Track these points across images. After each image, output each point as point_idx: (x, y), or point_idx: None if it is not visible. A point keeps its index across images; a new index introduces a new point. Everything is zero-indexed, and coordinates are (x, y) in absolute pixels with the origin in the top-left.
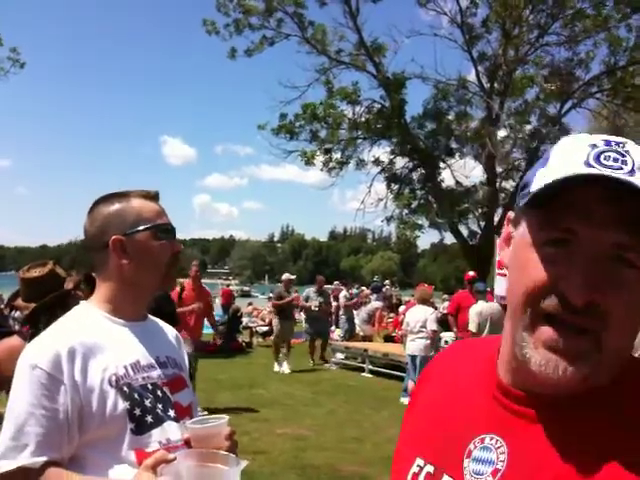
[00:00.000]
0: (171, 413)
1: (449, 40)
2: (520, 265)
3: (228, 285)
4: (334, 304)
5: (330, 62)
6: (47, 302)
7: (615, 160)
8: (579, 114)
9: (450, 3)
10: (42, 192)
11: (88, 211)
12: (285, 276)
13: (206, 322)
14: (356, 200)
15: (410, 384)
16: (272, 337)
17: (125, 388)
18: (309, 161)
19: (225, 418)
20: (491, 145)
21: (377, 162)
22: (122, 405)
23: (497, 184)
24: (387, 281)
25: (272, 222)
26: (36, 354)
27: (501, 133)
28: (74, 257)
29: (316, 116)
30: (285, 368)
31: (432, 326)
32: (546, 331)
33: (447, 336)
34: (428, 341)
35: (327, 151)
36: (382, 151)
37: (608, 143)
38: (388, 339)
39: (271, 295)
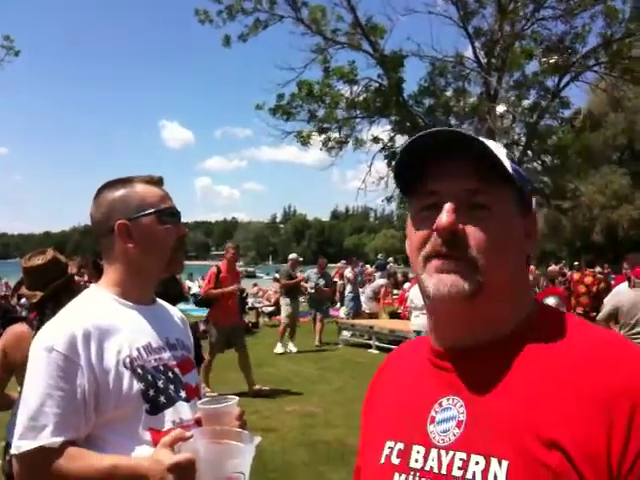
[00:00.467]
0: (182, 394)
1: (444, 17)
2: (410, 232)
3: None
4: (339, 282)
5: (326, 42)
6: (53, 289)
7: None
8: (578, 87)
9: None
10: (41, 180)
11: (93, 197)
12: (292, 256)
13: None
14: (357, 179)
15: None
16: (279, 317)
17: (139, 370)
18: (305, 141)
19: (235, 399)
20: (490, 120)
21: (376, 140)
22: (137, 386)
23: None
24: (391, 258)
25: (274, 203)
26: (52, 337)
27: (500, 108)
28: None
29: (312, 94)
30: (292, 347)
31: None
32: (434, 262)
33: None
34: None
35: (323, 130)
36: (381, 130)
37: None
38: (394, 315)
39: (276, 275)
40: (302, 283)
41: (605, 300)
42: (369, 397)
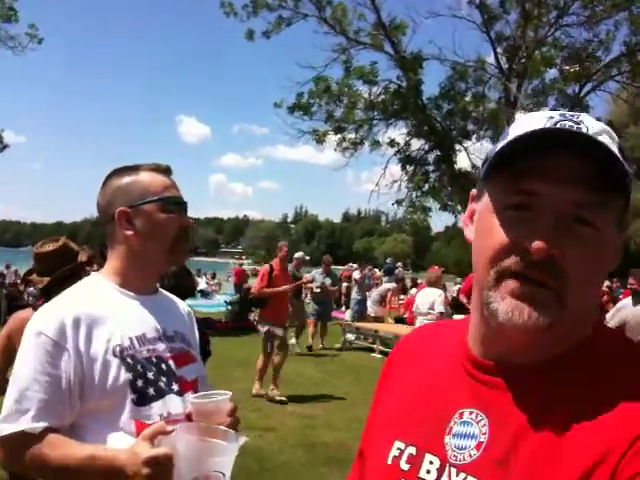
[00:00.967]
0: (174, 387)
1: (467, 21)
2: (483, 231)
3: (241, 265)
4: (344, 285)
5: (348, 42)
6: (61, 274)
7: (570, 127)
8: (599, 97)
9: None
10: (57, 170)
11: (101, 185)
12: (298, 255)
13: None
14: (371, 182)
15: None
16: None
17: (129, 359)
18: (320, 139)
19: (228, 394)
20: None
21: (392, 143)
22: (124, 376)
23: None
24: (399, 263)
25: (286, 203)
26: (42, 322)
27: (518, 115)
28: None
29: (329, 91)
30: (296, 347)
31: (439, 308)
32: (511, 283)
33: (459, 318)
34: None
35: (339, 129)
36: (397, 132)
37: (563, 115)
38: (399, 320)
39: None
40: (307, 284)
41: (608, 315)
42: (386, 371)
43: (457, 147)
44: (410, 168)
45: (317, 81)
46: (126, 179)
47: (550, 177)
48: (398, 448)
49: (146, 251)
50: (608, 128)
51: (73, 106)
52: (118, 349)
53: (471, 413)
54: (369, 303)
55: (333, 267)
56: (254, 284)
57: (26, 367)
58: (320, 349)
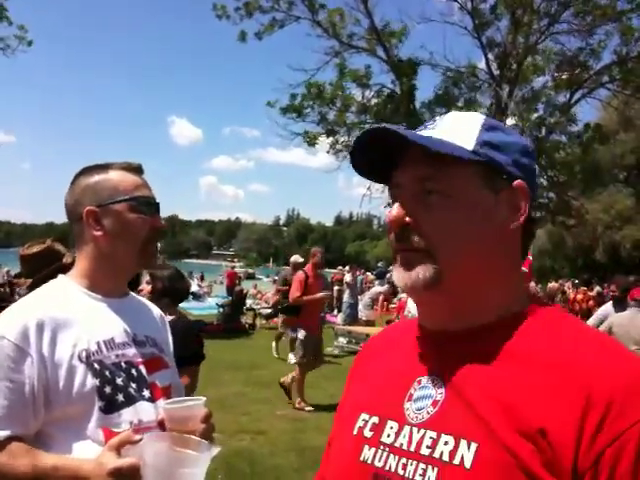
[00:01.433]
0: (145, 393)
1: (459, 27)
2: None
3: (233, 267)
4: (336, 288)
5: (341, 46)
6: (42, 276)
7: (425, 126)
8: (589, 104)
9: None
10: (47, 170)
11: (70, 183)
12: (294, 259)
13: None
14: (362, 186)
15: None
16: (277, 319)
17: (96, 365)
18: (311, 141)
19: (202, 399)
20: None
21: None
22: (91, 382)
23: None
24: (392, 267)
25: (278, 205)
26: (4, 325)
27: (509, 121)
28: None
29: (321, 95)
30: (291, 358)
31: None
32: (397, 257)
33: None
34: None
35: (331, 132)
36: None
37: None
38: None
39: (276, 278)
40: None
41: (589, 321)
42: (353, 370)
43: None
44: None
45: (309, 87)
46: (95, 177)
47: (401, 167)
48: (363, 419)
49: (115, 252)
50: (462, 121)
51: (63, 106)
52: (84, 354)
53: (428, 379)
54: (360, 307)
55: (325, 271)
56: (290, 292)
57: None
58: None
